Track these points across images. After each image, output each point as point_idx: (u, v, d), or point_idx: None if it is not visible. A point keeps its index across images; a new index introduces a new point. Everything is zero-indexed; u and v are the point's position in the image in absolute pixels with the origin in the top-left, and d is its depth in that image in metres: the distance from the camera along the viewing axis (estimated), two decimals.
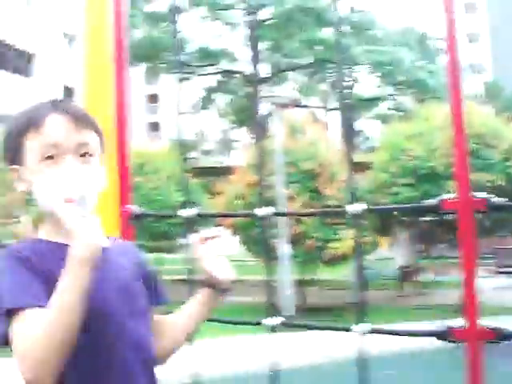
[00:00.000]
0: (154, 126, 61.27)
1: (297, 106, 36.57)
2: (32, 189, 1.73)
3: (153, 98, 62.38)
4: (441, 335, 2.17)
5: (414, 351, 9.16)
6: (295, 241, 13.09)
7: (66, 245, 1.64)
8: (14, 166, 1.75)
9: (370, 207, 2.39)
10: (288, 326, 2.34)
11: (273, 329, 2.27)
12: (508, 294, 17.04)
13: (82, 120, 1.75)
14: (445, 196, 2.22)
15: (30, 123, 1.71)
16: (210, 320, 2.63)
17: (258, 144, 16.64)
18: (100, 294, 1.67)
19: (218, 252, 1.87)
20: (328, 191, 13.42)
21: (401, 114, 30.20)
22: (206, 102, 38.13)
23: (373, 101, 38.22)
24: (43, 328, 1.52)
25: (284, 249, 13.09)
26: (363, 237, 13.15)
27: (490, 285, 19.43)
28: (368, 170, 14.57)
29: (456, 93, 2.23)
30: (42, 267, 1.64)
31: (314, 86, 38.59)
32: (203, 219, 2.61)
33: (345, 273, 20.10)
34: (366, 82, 38.50)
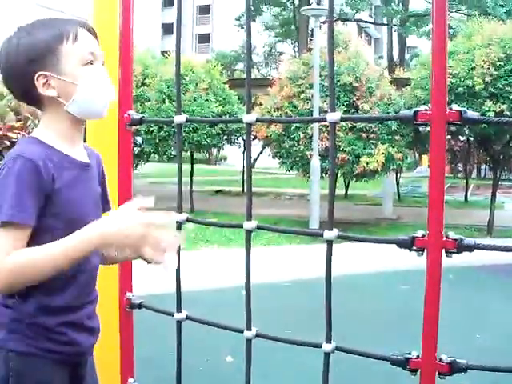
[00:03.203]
0: (205, 38, 60.78)
1: (344, 19, 36.16)
2: (72, 91, 1.89)
3: (205, 9, 61.62)
4: (403, 244, 2.22)
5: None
6: (327, 155, 13.14)
7: (75, 159, 1.95)
8: (44, 72, 1.87)
9: (344, 116, 2.41)
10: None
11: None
12: None
13: (96, 35, 2.00)
14: (421, 107, 2.20)
15: (64, 34, 1.88)
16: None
17: (300, 57, 16.52)
18: (83, 207, 1.93)
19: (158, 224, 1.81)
20: (365, 106, 13.33)
21: (449, 31, 29.39)
22: (254, 14, 37.65)
23: (425, 16, 37.34)
24: (25, 262, 1.73)
25: (315, 162, 13.14)
26: (396, 152, 13.14)
27: None
28: (408, 86, 14.41)
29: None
30: (49, 177, 1.80)
31: (365, 0, 37.73)
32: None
33: (376, 188, 20.17)
34: None
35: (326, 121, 2.33)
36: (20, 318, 1.85)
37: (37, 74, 1.86)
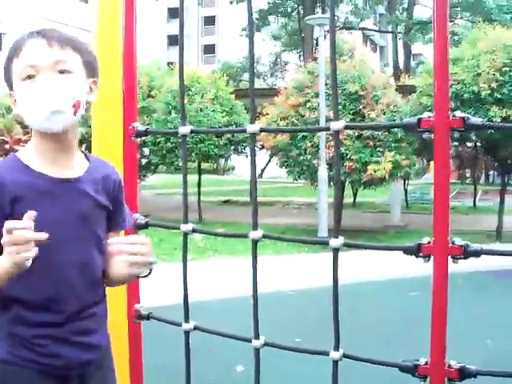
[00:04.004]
0: (211, 49, 60.96)
1: (348, 28, 36.20)
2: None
3: (210, 20, 61.84)
4: (409, 251, 2.20)
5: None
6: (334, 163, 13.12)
7: (51, 176, 1.92)
8: (10, 92, 1.95)
9: (347, 124, 2.41)
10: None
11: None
12: None
13: (57, 41, 1.90)
14: (424, 114, 2.21)
15: (13, 50, 1.92)
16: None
17: (305, 66, 16.55)
18: (58, 219, 1.91)
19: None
20: (371, 114, 13.34)
21: (454, 38, 29.39)
22: (259, 24, 37.75)
23: (429, 24, 37.30)
24: None
25: (322, 171, 13.14)
26: (403, 159, 13.14)
27: None
28: (413, 93, 14.41)
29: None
30: (4, 196, 1.84)
31: (369, 9, 37.74)
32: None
33: (384, 196, 20.12)
34: (425, 4, 37.57)
35: (329, 129, 2.34)
36: (2, 325, 1.90)
37: (9, 93, 1.96)
